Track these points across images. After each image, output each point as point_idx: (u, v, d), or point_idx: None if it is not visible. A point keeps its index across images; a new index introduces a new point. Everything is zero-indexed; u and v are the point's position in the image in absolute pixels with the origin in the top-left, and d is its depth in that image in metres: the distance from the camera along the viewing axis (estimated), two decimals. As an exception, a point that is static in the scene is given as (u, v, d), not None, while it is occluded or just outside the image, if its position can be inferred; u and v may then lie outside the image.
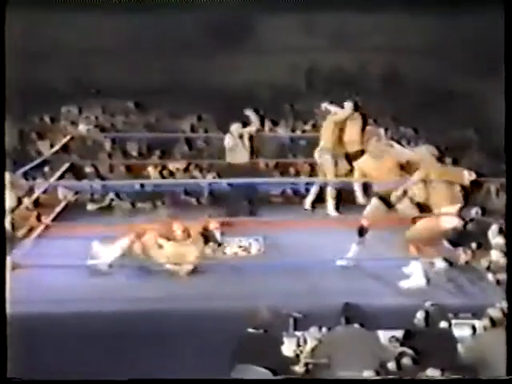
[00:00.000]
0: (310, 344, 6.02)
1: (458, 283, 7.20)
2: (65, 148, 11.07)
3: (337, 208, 9.59)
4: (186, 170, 11.02)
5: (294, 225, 8.86)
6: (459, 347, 5.88)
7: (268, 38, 12.73)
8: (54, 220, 9.37)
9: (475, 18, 11.55)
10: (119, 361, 6.16)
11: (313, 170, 10.33)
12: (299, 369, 5.79)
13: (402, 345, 5.90)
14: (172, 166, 11.03)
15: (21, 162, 9.45)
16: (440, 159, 7.71)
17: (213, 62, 12.48)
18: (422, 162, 7.46)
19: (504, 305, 6.08)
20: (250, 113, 9.89)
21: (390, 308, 6.53)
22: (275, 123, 12.04)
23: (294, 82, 13.03)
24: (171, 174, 10.97)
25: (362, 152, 8.98)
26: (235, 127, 9.53)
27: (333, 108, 9.64)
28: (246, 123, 9.77)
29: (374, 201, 7.69)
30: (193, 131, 12.20)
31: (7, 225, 7.44)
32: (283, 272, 7.33)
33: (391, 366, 5.66)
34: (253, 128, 9.77)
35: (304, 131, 11.88)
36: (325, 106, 9.76)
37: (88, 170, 10.89)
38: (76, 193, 10.37)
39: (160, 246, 7.75)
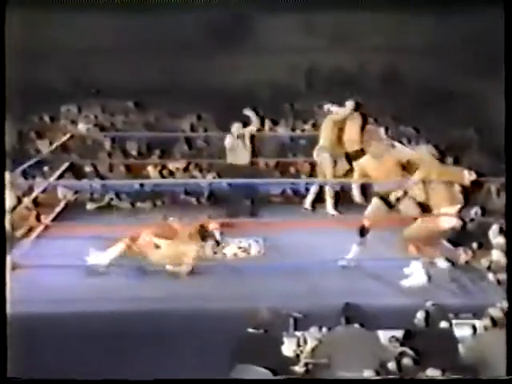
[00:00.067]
0: (310, 344, 6.02)
1: (461, 283, 7.20)
2: (64, 147, 11.07)
3: (336, 207, 9.60)
4: (186, 169, 11.01)
5: (294, 225, 8.84)
6: (460, 347, 5.87)
7: (268, 37, 12.71)
8: (53, 220, 9.37)
9: (475, 17, 11.54)
10: (119, 361, 6.16)
11: (313, 170, 10.31)
12: (299, 369, 5.78)
13: (402, 345, 5.89)
14: (172, 165, 11.01)
15: (20, 161, 9.43)
16: (440, 159, 7.71)
17: (212, 62, 12.46)
18: (422, 162, 7.46)
19: (505, 305, 6.07)
20: (249, 113, 9.88)
21: (391, 308, 6.52)
22: (275, 123, 12.03)
23: (293, 81, 13.01)
24: (171, 173, 10.95)
25: (361, 151, 8.98)
26: (236, 127, 9.52)
27: (335, 109, 9.63)
28: (246, 123, 9.76)
29: (375, 201, 7.69)
30: (192, 131, 12.19)
31: (6, 224, 7.42)
32: (283, 272, 7.32)
33: (391, 366, 5.66)
34: (253, 128, 9.77)
35: (303, 130, 11.87)
36: (328, 107, 9.72)
37: (87, 169, 10.88)
38: (75, 192, 10.36)
39: (157, 246, 7.74)
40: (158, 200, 10.29)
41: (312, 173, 10.35)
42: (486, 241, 7.82)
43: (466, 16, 11.69)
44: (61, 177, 10.18)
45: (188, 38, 12.54)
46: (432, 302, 6.46)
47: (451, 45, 12.16)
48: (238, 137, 9.46)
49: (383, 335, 6.01)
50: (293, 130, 12.00)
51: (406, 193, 7.37)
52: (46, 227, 8.92)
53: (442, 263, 7.42)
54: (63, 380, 5.42)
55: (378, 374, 5.54)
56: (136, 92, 12.48)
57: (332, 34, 12.77)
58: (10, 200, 8.13)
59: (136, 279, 7.45)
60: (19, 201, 8.93)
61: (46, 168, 10.49)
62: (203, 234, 8.21)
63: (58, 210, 9.75)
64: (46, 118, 12.32)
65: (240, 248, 8.45)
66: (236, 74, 12.52)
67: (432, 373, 5.42)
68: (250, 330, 6.00)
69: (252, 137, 9.67)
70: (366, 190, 9.02)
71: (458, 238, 7.73)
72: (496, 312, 5.99)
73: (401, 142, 10.01)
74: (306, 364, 5.81)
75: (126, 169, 11.03)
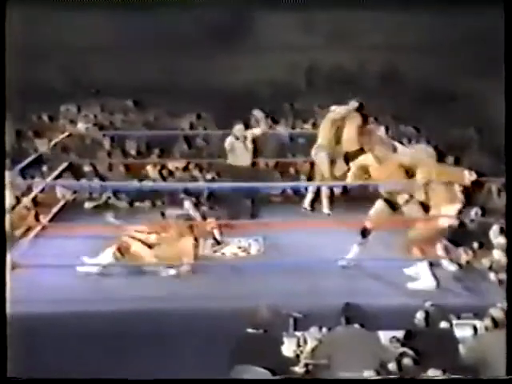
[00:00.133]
0: (310, 344, 6.00)
1: (465, 284, 7.20)
2: (63, 147, 11.05)
3: (331, 206, 9.61)
4: (186, 169, 10.97)
5: (294, 225, 8.83)
6: (460, 348, 5.85)
7: (267, 36, 12.70)
8: (52, 219, 9.35)
9: (475, 17, 11.53)
10: (119, 361, 6.17)
11: (313, 170, 10.28)
12: (299, 369, 5.77)
13: (402, 345, 5.88)
14: (171, 165, 10.97)
15: (19, 161, 9.41)
16: (440, 159, 7.70)
17: (212, 61, 12.45)
18: (422, 162, 7.44)
19: (506, 305, 6.06)
20: (259, 114, 9.80)
21: (391, 308, 6.52)
22: (275, 122, 12.02)
23: (293, 80, 13.02)
24: (170, 173, 10.92)
25: (361, 151, 8.97)
26: (238, 129, 9.45)
27: (334, 107, 9.58)
28: (247, 123, 9.72)
29: (379, 203, 7.65)
30: (192, 130, 12.16)
31: (6, 224, 7.40)
32: (283, 272, 7.31)
33: (392, 366, 5.64)
34: (257, 130, 9.72)
35: (303, 129, 11.86)
36: (334, 108, 9.62)
37: (86, 168, 10.85)
38: (74, 192, 10.34)
39: (149, 246, 7.73)
40: (157, 200, 10.25)
41: (312, 173, 10.33)
42: (486, 241, 7.81)
43: (465, 16, 11.69)
44: (60, 176, 10.15)
45: (187, 36, 12.53)
46: (433, 303, 6.45)
47: (451, 44, 12.16)
48: (238, 138, 9.40)
49: (384, 335, 5.99)
50: (293, 129, 11.98)
51: (411, 196, 7.35)
52: (45, 227, 8.90)
53: (451, 266, 7.41)
54: (63, 380, 5.41)
55: (378, 374, 5.52)
56: (135, 91, 12.49)
57: (332, 32, 12.78)
58: (8, 199, 8.12)
59: (135, 279, 7.44)
60: (18, 200, 8.91)
61: (44, 168, 10.46)
62: (202, 233, 8.19)
63: (56, 209, 9.72)
64: (45, 118, 12.30)
65: (240, 247, 8.45)
66: (236, 73, 12.51)
67: (433, 373, 5.41)
68: (250, 330, 5.97)
69: (254, 139, 9.61)
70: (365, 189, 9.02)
71: (459, 237, 7.72)
72: (497, 312, 5.95)
73: (401, 142, 9.98)
74: (306, 364, 5.79)
75: (125, 168, 10.99)
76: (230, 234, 8.56)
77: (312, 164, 10.09)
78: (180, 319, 6.54)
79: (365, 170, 7.84)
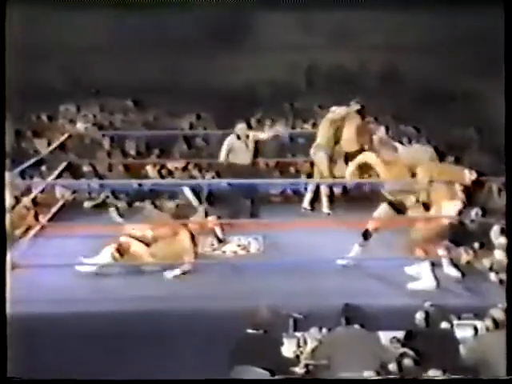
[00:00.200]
0: (310, 345, 5.99)
1: (466, 284, 7.20)
2: (62, 147, 11.03)
3: (331, 206, 9.60)
4: (185, 169, 10.96)
5: (294, 225, 8.82)
6: (461, 348, 5.84)
7: (267, 36, 12.71)
8: (51, 219, 9.33)
9: (475, 17, 11.54)
10: (119, 361, 6.16)
11: (313, 169, 10.28)
12: (299, 370, 5.75)
13: (403, 346, 5.87)
14: (171, 165, 10.96)
15: (18, 161, 9.40)
16: (441, 158, 7.69)
17: (212, 61, 12.45)
18: (422, 162, 7.44)
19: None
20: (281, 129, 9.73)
21: (391, 308, 6.50)
22: (275, 122, 12.01)
23: (293, 80, 13.02)
24: (170, 173, 10.91)
25: (361, 151, 8.96)
26: (240, 128, 9.42)
27: (334, 108, 9.57)
28: (248, 123, 9.69)
29: (384, 207, 7.62)
30: (192, 130, 12.15)
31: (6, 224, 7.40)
32: (283, 272, 7.29)
33: (392, 367, 5.63)
34: (263, 135, 9.66)
35: (303, 129, 11.85)
36: (334, 109, 9.59)
37: (86, 168, 10.84)
38: (73, 192, 10.32)
39: (147, 244, 7.72)
40: (156, 199, 10.23)
41: (312, 172, 10.32)
42: (487, 241, 7.80)
43: (465, 16, 11.69)
44: (59, 176, 10.14)
45: (187, 36, 12.53)
46: (433, 303, 6.43)
47: (451, 44, 12.17)
48: (239, 137, 9.37)
49: (384, 336, 5.98)
50: (293, 129, 11.98)
51: (418, 200, 7.33)
52: (44, 226, 8.88)
53: (450, 271, 7.40)
54: (63, 380, 5.40)
55: (378, 375, 5.50)
56: (135, 90, 12.48)
57: (332, 32, 12.78)
58: (8, 200, 8.10)
59: (135, 279, 7.43)
60: (17, 200, 8.90)
61: (43, 168, 10.45)
62: (202, 231, 8.18)
63: (55, 209, 9.71)
64: (44, 118, 12.29)
65: (239, 246, 8.45)
66: (235, 73, 12.51)
67: (433, 374, 5.40)
68: (250, 330, 5.96)
69: (257, 141, 9.59)
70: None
71: (460, 238, 7.70)
72: (498, 313, 5.93)
73: (400, 142, 9.97)
74: (306, 365, 5.78)
75: (124, 168, 10.99)
76: (230, 233, 8.55)
77: (312, 164, 10.08)
78: (180, 319, 6.52)
79: (365, 169, 7.82)
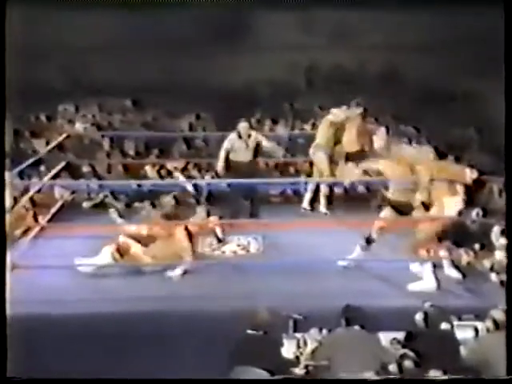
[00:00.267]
0: (310, 346, 5.99)
1: (467, 285, 7.19)
2: (61, 147, 11.02)
3: (329, 206, 9.59)
4: (185, 169, 10.95)
5: (293, 226, 8.80)
6: (461, 349, 5.83)
7: (267, 36, 12.69)
8: (50, 220, 9.32)
9: (475, 17, 11.52)
10: (119, 361, 6.15)
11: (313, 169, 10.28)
12: (299, 371, 5.75)
13: (403, 347, 5.86)
14: (170, 165, 10.95)
15: (17, 161, 9.38)
16: (441, 158, 7.68)
17: (211, 61, 12.43)
18: (422, 160, 7.43)
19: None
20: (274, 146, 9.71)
21: (392, 309, 6.48)
22: (275, 122, 12.00)
23: (293, 80, 13.01)
24: (169, 173, 10.90)
25: (361, 152, 8.96)
26: (242, 126, 9.38)
27: (335, 111, 9.54)
28: (249, 123, 9.66)
29: (387, 211, 7.60)
30: (191, 130, 12.15)
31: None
32: (283, 272, 7.29)
33: (392, 368, 5.62)
34: (266, 143, 9.62)
35: (302, 129, 11.84)
36: (335, 112, 9.56)
37: (85, 169, 10.82)
38: (72, 192, 10.31)
39: (145, 245, 7.71)
40: (156, 200, 10.22)
41: (311, 172, 10.31)
42: (488, 242, 7.79)
43: (465, 16, 11.68)
44: (57, 176, 10.12)
45: (187, 36, 12.51)
46: (434, 304, 6.43)
47: (451, 44, 12.16)
48: (241, 136, 9.35)
49: (384, 337, 5.97)
50: (292, 129, 11.97)
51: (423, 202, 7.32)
52: (43, 227, 8.87)
53: (451, 272, 7.39)
54: (63, 380, 5.40)
55: (378, 376, 5.50)
56: (134, 90, 12.46)
57: (332, 32, 12.77)
58: (7, 200, 8.09)
59: (134, 279, 7.43)
60: (16, 201, 8.88)
61: (42, 168, 10.44)
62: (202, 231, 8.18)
63: (54, 210, 9.69)
64: (43, 118, 12.27)
65: (239, 245, 8.44)
66: (235, 72, 12.50)
67: (434, 375, 5.39)
68: (250, 331, 5.95)
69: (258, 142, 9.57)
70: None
71: (460, 238, 7.70)
72: (498, 314, 5.92)
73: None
74: (306, 366, 5.77)
75: (123, 168, 10.98)
76: (229, 233, 8.54)
77: (311, 164, 10.07)
78: (180, 320, 6.52)
79: (371, 172, 7.79)
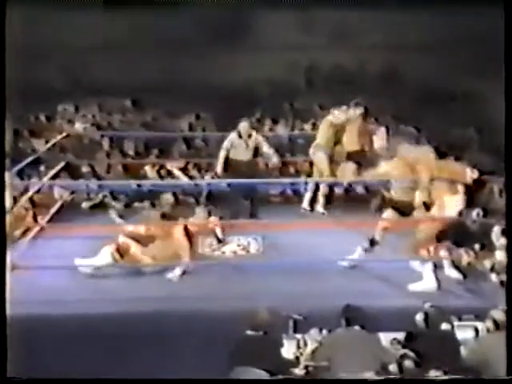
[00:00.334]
0: (311, 346, 5.99)
1: (467, 285, 7.18)
2: (61, 147, 11.01)
3: (326, 206, 9.59)
4: (184, 169, 10.95)
5: (293, 226, 8.80)
6: (462, 350, 5.83)
7: (267, 36, 12.68)
8: (50, 220, 9.32)
9: (475, 17, 11.52)
10: (119, 361, 6.15)
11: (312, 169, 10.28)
12: (299, 371, 5.75)
13: (403, 347, 5.86)
14: (170, 165, 10.95)
15: (16, 161, 9.37)
16: (441, 158, 7.67)
17: (211, 61, 12.42)
18: (422, 160, 7.43)
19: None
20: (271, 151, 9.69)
21: (392, 310, 6.48)
22: (275, 122, 12.00)
23: (293, 80, 13.00)
24: (169, 173, 10.90)
25: (361, 152, 8.97)
26: (243, 126, 9.37)
27: (337, 112, 9.52)
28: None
29: (389, 212, 7.59)
30: (191, 130, 12.14)
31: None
32: (283, 272, 7.28)
33: (393, 368, 5.62)
34: (265, 148, 9.59)
35: (302, 129, 11.83)
36: (337, 113, 9.54)
37: (84, 169, 10.81)
38: (72, 192, 10.30)
39: (144, 245, 7.70)
40: (155, 200, 10.21)
41: (311, 172, 10.30)
42: (488, 242, 7.78)
43: (465, 16, 11.67)
44: (57, 176, 10.11)
45: (186, 35, 12.50)
46: (434, 304, 6.42)
47: (451, 44, 12.15)
48: (241, 136, 9.33)
49: (384, 337, 5.97)
50: (292, 129, 11.97)
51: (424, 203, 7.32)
52: (43, 227, 8.87)
53: (452, 271, 7.38)
54: (63, 380, 5.40)
55: (379, 376, 5.50)
56: (133, 90, 12.45)
57: (332, 32, 12.76)
58: (7, 200, 8.08)
59: (134, 280, 7.42)
60: (15, 201, 8.87)
61: (42, 168, 10.43)
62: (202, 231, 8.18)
63: (53, 210, 9.69)
64: (42, 118, 12.26)
65: (239, 246, 8.44)
66: (235, 72, 12.48)
67: (434, 375, 5.39)
68: (250, 331, 5.94)
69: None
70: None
71: (461, 239, 7.69)
72: (498, 314, 5.92)
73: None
74: (306, 366, 5.77)
75: (123, 168, 10.97)
76: (229, 233, 8.53)
77: (312, 164, 10.06)
78: (179, 320, 6.52)
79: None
